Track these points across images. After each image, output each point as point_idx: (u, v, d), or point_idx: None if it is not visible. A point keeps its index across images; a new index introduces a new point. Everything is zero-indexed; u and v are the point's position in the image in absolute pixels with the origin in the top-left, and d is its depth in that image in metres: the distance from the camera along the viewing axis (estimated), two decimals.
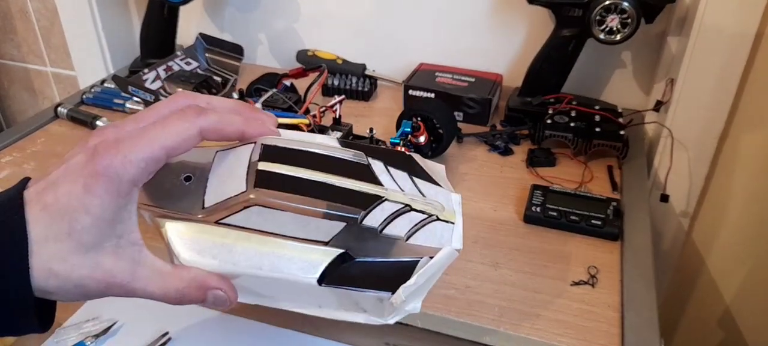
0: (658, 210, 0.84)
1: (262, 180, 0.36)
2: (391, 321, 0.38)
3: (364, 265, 0.37)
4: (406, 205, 0.38)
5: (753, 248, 0.85)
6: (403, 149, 0.43)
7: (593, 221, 0.61)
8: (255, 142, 0.39)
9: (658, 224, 0.87)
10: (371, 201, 0.37)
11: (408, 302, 0.37)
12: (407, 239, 0.37)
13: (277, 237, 0.36)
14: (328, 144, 0.41)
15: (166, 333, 0.60)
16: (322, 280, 0.36)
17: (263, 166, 0.37)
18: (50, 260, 0.30)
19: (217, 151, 0.39)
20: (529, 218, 0.64)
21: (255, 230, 0.36)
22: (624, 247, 0.60)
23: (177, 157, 0.35)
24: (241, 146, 0.39)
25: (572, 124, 0.75)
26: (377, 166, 0.40)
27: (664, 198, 0.80)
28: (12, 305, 0.30)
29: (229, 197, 0.36)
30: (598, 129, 0.74)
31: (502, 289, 0.55)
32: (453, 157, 0.76)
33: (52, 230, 0.30)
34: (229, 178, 0.37)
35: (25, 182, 0.33)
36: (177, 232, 0.37)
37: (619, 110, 0.78)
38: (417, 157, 0.43)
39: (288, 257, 0.36)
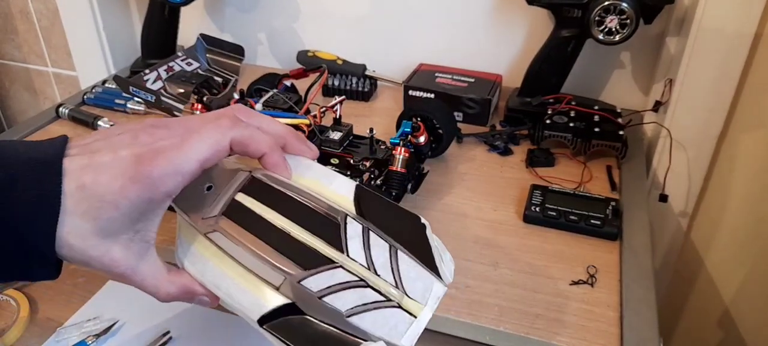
0: (657, 210, 0.84)
1: (230, 211, 0.38)
2: None
3: (308, 325, 0.35)
4: (362, 279, 0.35)
5: (752, 247, 0.86)
6: (416, 214, 0.39)
7: (592, 221, 0.61)
8: (250, 171, 0.40)
9: (657, 223, 0.87)
10: (322, 263, 0.35)
11: None
12: (348, 316, 0.34)
13: (243, 267, 0.37)
14: (321, 192, 0.39)
15: (167, 332, 0.60)
16: (262, 322, 0.36)
17: (239, 197, 0.38)
18: (70, 234, 0.32)
19: (250, 171, 0.41)
20: (529, 218, 0.64)
21: (227, 253, 0.38)
22: (623, 247, 0.60)
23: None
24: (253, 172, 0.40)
25: (571, 125, 0.75)
26: (352, 229, 0.37)
27: (663, 198, 0.80)
28: (35, 258, 0.33)
29: (210, 216, 0.38)
30: (597, 129, 0.74)
31: (501, 289, 0.55)
32: (453, 157, 0.76)
33: (80, 207, 0.32)
34: (225, 199, 0.39)
35: (64, 143, 0.34)
36: (181, 231, 0.40)
37: (618, 110, 0.79)
38: (428, 230, 0.38)
39: (243, 288, 0.37)
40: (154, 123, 0.36)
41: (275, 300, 0.36)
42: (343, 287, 0.34)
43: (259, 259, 0.36)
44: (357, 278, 0.35)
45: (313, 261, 0.35)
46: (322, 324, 0.34)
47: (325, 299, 0.34)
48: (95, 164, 0.33)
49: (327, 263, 0.35)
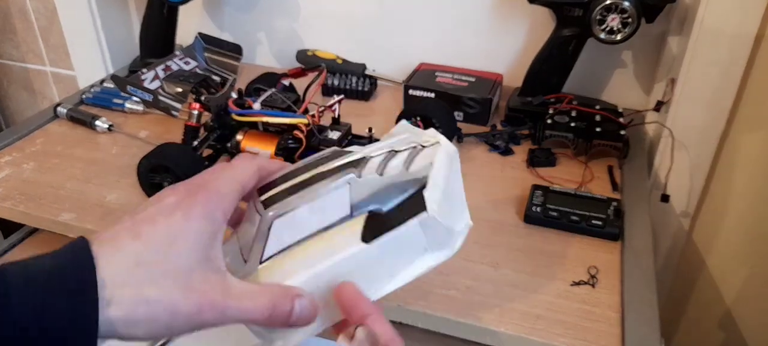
0: (659, 210, 0.84)
1: (267, 203, 0.38)
2: (458, 246, 0.40)
3: (390, 210, 0.38)
4: (390, 151, 0.40)
5: (754, 247, 0.85)
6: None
7: (594, 221, 0.61)
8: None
9: (658, 224, 0.86)
10: (358, 163, 0.39)
11: (455, 220, 0.39)
12: (408, 168, 0.39)
13: (310, 239, 0.37)
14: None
15: None
16: (365, 239, 0.37)
17: (263, 197, 0.38)
18: (141, 285, 0.30)
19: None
20: (530, 218, 0.63)
21: (290, 246, 0.37)
22: (624, 247, 0.60)
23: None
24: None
25: (573, 124, 0.75)
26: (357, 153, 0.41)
27: (665, 198, 0.80)
28: None
29: (252, 238, 0.38)
30: (598, 129, 0.74)
31: (502, 289, 0.55)
32: None
33: (145, 256, 0.30)
34: (249, 233, 0.39)
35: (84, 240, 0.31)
36: None
37: (620, 110, 0.78)
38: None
39: (329, 246, 0.37)
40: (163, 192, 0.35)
41: (358, 223, 0.38)
42: (385, 162, 0.39)
43: (322, 203, 0.37)
44: (385, 153, 0.40)
45: (354, 165, 0.38)
46: (397, 201, 0.38)
47: (384, 173, 0.38)
48: (140, 219, 0.32)
49: (360, 161, 0.39)
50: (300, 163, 0.40)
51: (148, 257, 0.30)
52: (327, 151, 0.41)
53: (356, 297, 0.36)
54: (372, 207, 0.38)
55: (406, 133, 0.43)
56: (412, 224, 0.37)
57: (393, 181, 0.38)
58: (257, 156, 0.39)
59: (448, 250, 0.39)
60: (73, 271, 0.29)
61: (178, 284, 0.31)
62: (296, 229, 0.37)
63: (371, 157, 0.39)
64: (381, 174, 0.38)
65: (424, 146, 0.40)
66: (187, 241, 0.32)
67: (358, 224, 0.37)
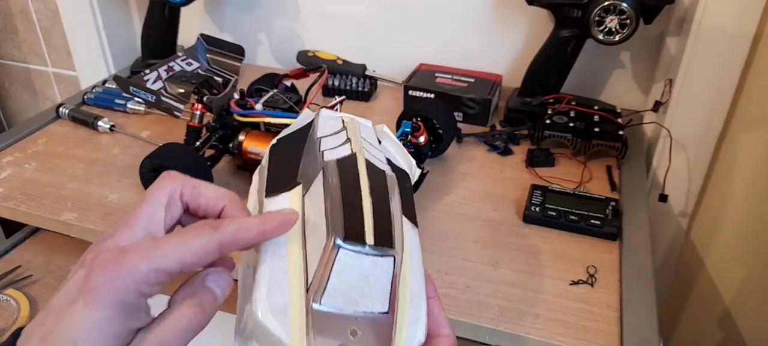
0: (657, 210, 0.84)
1: (382, 238, 0.34)
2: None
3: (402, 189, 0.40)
4: (358, 141, 0.40)
5: (752, 247, 0.86)
6: None
7: (592, 221, 0.61)
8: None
9: (656, 223, 0.87)
10: (370, 164, 0.38)
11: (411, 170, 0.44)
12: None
13: (404, 250, 0.37)
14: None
15: None
16: (415, 223, 0.39)
17: (369, 239, 0.34)
18: None
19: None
20: (529, 218, 0.64)
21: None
22: (623, 247, 0.60)
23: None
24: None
25: (571, 125, 0.75)
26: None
27: (663, 198, 0.80)
28: None
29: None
30: (597, 129, 0.74)
31: (501, 289, 0.55)
32: (453, 157, 0.76)
33: None
34: (366, 288, 0.34)
35: (18, 332, 0.29)
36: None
37: (618, 111, 0.79)
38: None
39: (410, 247, 0.37)
40: (102, 240, 0.32)
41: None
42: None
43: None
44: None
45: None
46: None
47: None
48: (50, 307, 0.28)
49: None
50: (334, 191, 0.36)
51: None
52: (323, 165, 0.38)
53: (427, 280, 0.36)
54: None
55: (324, 125, 0.42)
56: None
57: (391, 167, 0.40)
58: (221, 227, 0.31)
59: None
60: None
61: None
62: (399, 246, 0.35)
63: (364, 153, 0.38)
64: (391, 164, 0.40)
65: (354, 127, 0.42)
66: (94, 332, 0.27)
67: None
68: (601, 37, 0.75)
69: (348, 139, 0.40)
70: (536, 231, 0.63)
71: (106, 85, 0.95)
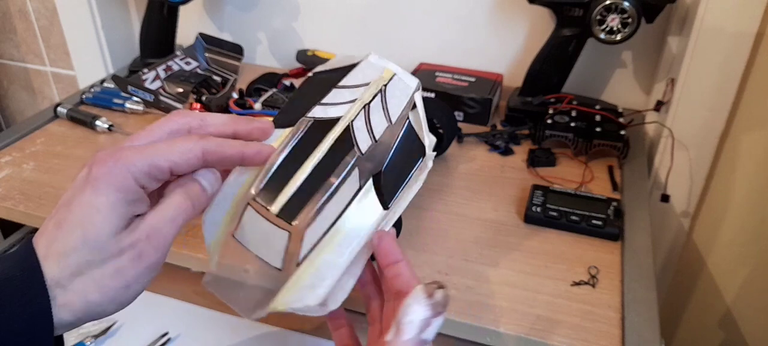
0: (659, 210, 0.84)
1: (284, 212, 0.38)
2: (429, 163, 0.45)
3: (389, 165, 0.41)
4: (363, 105, 0.42)
5: (754, 247, 0.85)
6: None
7: (594, 221, 0.61)
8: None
9: (658, 224, 0.86)
10: (346, 136, 0.40)
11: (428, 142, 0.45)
12: (390, 120, 0.42)
13: (335, 224, 0.39)
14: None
15: (166, 334, 0.60)
16: (384, 206, 0.41)
17: (274, 208, 0.38)
18: (86, 291, 0.32)
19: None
20: (530, 218, 0.63)
21: (320, 239, 0.39)
22: (624, 247, 0.60)
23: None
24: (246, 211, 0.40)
25: (573, 124, 0.75)
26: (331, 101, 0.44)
27: (665, 198, 0.80)
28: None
29: (280, 248, 0.39)
30: (598, 129, 0.74)
31: (502, 289, 0.55)
32: (453, 157, 0.76)
33: (68, 245, 0.31)
34: (270, 244, 0.39)
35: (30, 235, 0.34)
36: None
37: (620, 110, 0.78)
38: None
39: (356, 226, 0.40)
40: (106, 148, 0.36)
41: (370, 190, 0.40)
42: (368, 120, 0.42)
43: (340, 186, 0.40)
44: (360, 109, 0.42)
45: (344, 145, 0.41)
46: (393, 155, 0.42)
47: (379, 139, 0.41)
48: (62, 202, 0.33)
49: (346, 133, 0.41)
50: (285, 149, 0.40)
51: (69, 246, 0.31)
52: (301, 121, 0.42)
53: (391, 246, 0.40)
54: (371, 168, 0.41)
55: (359, 72, 0.45)
56: (415, 173, 0.43)
57: (386, 140, 0.41)
58: (207, 137, 0.36)
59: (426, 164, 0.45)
60: (22, 283, 0.31)
61: (108, 270, 0.32)
62: (322, 223, 0.39)
63: (353, 121, 0.41)
64: (375, 140, 0.41)
65: (385, 86, 0.43)
66: (99, 215, 0.32)
67: (370, 192, 0.40)
68: (602, 36, 0.74)
69: (354, 100, 0.43)
70: (537, 231, 0.63)
71: (105, 84, 0.94)
